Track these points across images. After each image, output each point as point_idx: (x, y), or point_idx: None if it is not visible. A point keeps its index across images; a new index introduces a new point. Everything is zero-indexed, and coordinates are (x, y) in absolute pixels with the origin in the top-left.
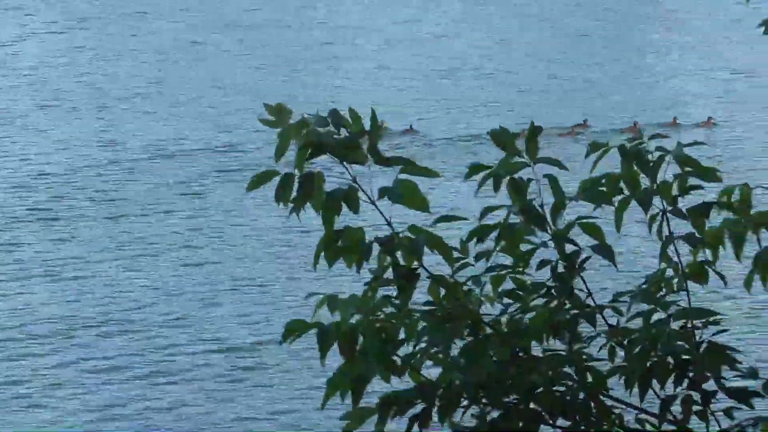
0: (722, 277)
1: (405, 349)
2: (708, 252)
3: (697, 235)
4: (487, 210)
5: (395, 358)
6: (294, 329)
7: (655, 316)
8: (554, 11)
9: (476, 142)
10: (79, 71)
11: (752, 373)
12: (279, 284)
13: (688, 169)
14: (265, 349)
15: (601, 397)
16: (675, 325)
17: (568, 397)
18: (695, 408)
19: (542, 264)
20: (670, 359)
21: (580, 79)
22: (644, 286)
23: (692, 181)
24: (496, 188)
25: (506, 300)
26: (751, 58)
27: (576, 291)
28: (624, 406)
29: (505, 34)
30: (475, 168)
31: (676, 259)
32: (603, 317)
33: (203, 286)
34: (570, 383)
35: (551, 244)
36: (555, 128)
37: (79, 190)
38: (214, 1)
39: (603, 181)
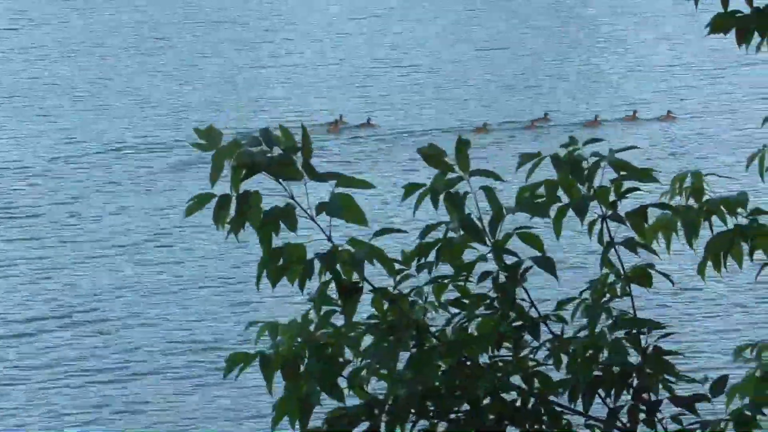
0: (668, 277)
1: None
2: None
3: (636, 239)
4: (428, 229)
5: (341, 378)
6: (236, 361)
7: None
8: (506, 8)
9: (433, 136)
10: (33, 67)
11: (702, 379)
12: (243, 283)
13: (623, 173)
14: (230, 348)
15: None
16: (620, 332)
17: (517, 404)
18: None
19: (483, 276)
20: (615, 367)
21: (540, 73)
22: (587, 293)
23: (630, 184)
24: (435, 205)
25: (452, 309)
26: (711, 53)
27: (519, 301)
28: (571, 413)
29: (455, 29)
30: (411, 187)
31: (618, 263)
32: (547, 326)
33: (167, 284)
34: (518, 390)
35: (491, 255)
36: (516, 122)
37: (33, 187)
38: None
39: (541, 188)
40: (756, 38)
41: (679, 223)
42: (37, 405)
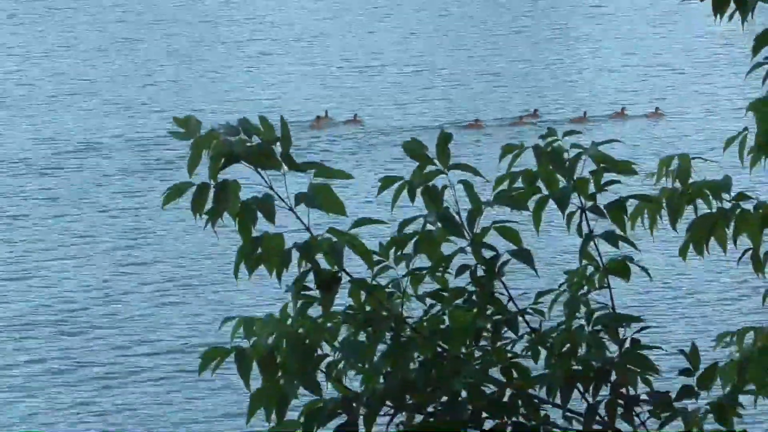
0: (646, 271)
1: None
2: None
3: (616, 231)
4: (406, 222)
5: (319, 372)
6: (212, 357)
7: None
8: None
9: (418, 133)
10: (9, 68)
11: (694, 358)
12: (221, 283)
13: (603, 165)
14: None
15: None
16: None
17: (495, 396)
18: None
19: (462, 269)
20: (592, 365)
21: (520, 72)
22: (564, 285)
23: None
24: (412, 199)
25: (429, 301)
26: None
27: (498, 295)
28: (550, 405)
29: (427, 28)
30: (387, 180)
31: (597, 256)
32: (525, 320)
33: (146, 285)
34: (496, 382)
35: (470, 249)
36: (505, 119)
37: (10, 187)
38: None
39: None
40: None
41: (663, 206)
42: (22, 411)
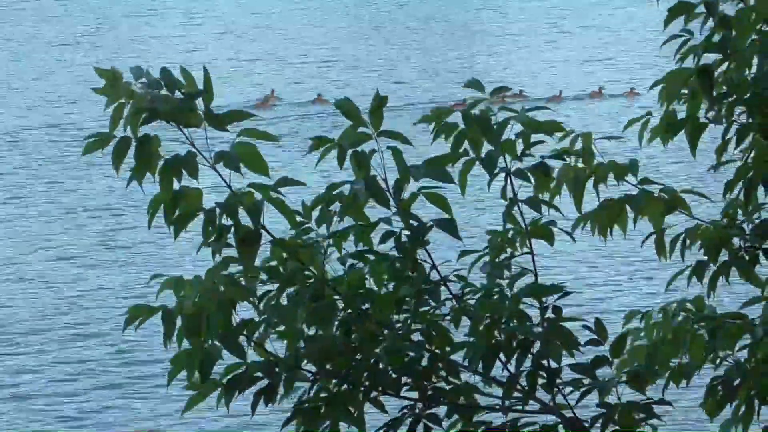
0: (570, 234)
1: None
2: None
3: (539, 196)
4: (332, 187)
5: (242, 337)
6: (138, 314)
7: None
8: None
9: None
10: None
11: (600, 331)
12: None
13: (529, 128)
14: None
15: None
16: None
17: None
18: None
19: (387, 236)
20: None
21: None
22: (487, 248)
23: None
24: (340, 163)
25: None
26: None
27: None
28: (470, 372)
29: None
30: (319, 141)
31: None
32: (448, 288)
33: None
34: (417, 345)
35: (395, 219)
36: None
37: None
38: None
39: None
40: None
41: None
42: None
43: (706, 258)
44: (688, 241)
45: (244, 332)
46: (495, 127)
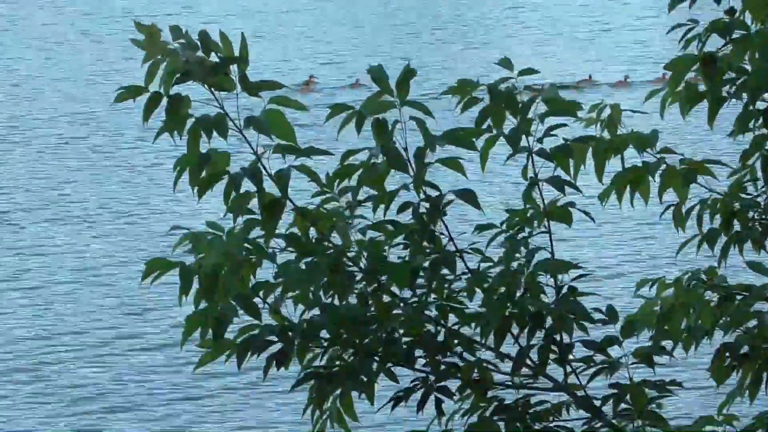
0: (588, 215)
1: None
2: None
3: (562, 176)
4: (348, 154)
5: (257, 299)
6: (155, 267)
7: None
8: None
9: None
10: None
11: (610, 314)
12: None
13: (551, 108)
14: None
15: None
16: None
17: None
18: (553, 356)
19: (404, 206)
20: (528, 309)
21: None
22: (504, 225)
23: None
24: (358, 129)
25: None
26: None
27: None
28: (482, 348)
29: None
30: (337, 108)
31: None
32: (464, 260)
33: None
34: (432, 320)
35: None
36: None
37: None
38: None
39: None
40: None
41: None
42: None
43: (718, 228)
44: (704, 212)
45: (260, 295)
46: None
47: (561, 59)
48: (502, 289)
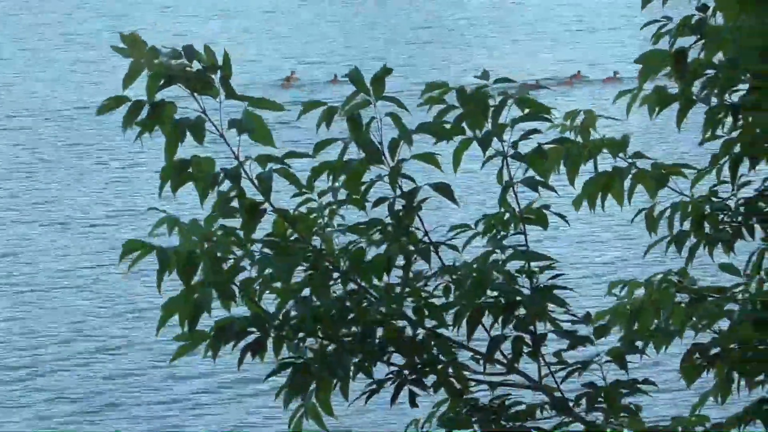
0: (563, 218)
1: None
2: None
3: (536, 177)
4: (320, 145)
5: (234, 287)
6: (133, 248)
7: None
8: None
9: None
10: None
11: (585, 317)
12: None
13: (527, 110)
14: None
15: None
16: (513, 268)
17: (408, 334)
18: (527, 350)
19: (379, 201)
20: (501, 299)
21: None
22: (480, 225)
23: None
24: (328, 123)
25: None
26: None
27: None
28: (458, 347)
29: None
30: (311, 104)
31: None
32: (439, 256)
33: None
34: (409, 320)
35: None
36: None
37: None
38: None
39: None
40: None
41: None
42: None
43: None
44: (675, 216)
45: (236, 282)
46: (492, 108)
47: (551, 55)
48: (475, 278)
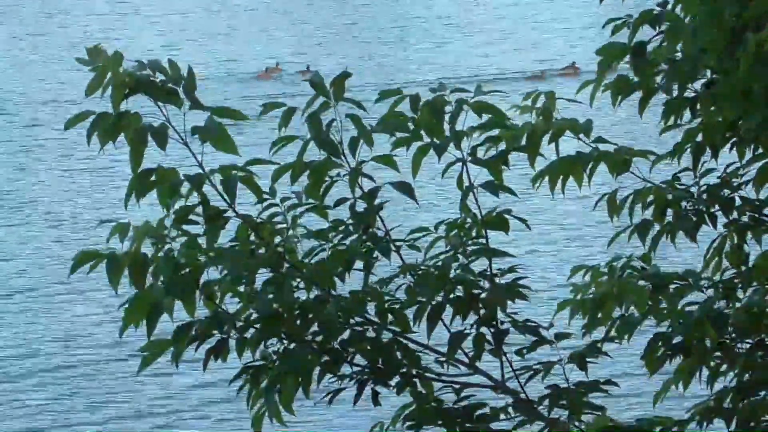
0: (525, 222)
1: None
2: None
3: (495, 182)
4: (280, 141)
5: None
6: (85, 259)
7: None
8: None
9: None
10: None
11: (549, 326)
12: None
13: (487, 117)
14: None
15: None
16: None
17: (371, 336)
18: (489, 347)
19: (339, 201)
20: (461, 294)
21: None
22: (441, 228)
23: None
24: (285, 123)
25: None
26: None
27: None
28: (422, 349)
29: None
30: (270, 105)
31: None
32: (401, 258)
33: None
34: (371, 323)
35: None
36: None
37: None
38: None
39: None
40: None
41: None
42: None
43: (651, 218)
44: (636, 203)
45: (197, 282)
46: (449, 115)
47: (544, 47)
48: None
